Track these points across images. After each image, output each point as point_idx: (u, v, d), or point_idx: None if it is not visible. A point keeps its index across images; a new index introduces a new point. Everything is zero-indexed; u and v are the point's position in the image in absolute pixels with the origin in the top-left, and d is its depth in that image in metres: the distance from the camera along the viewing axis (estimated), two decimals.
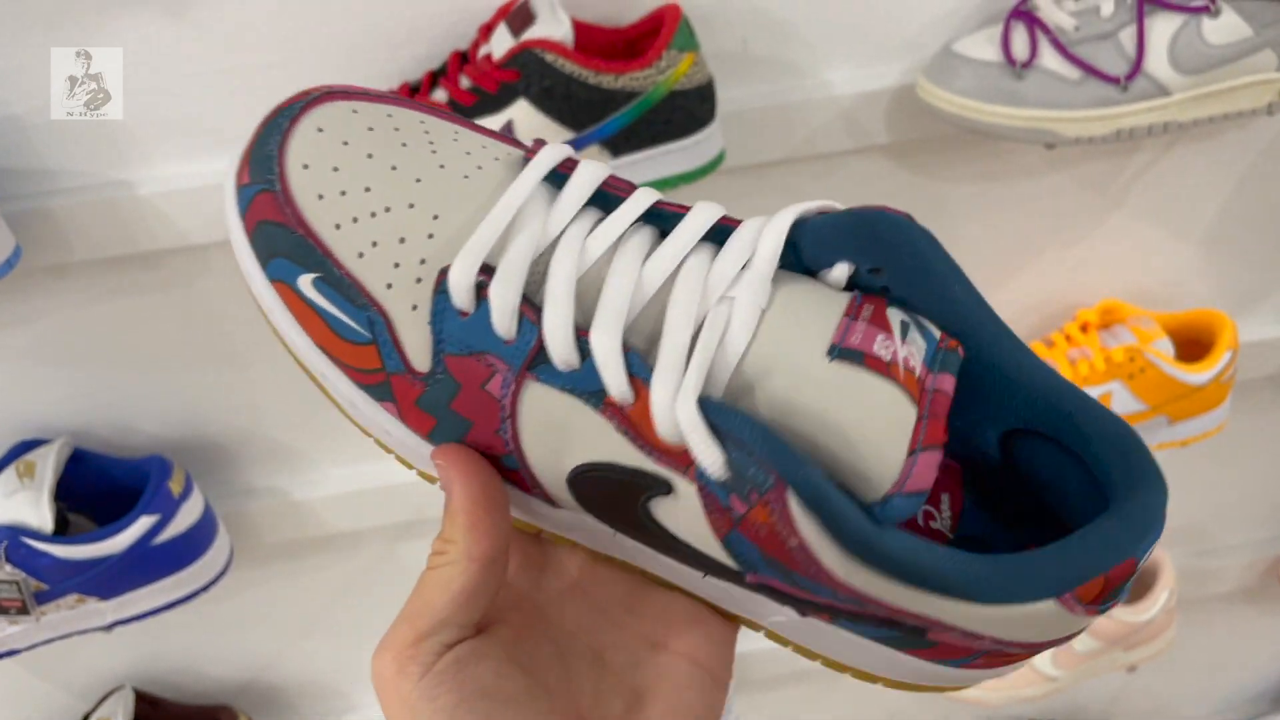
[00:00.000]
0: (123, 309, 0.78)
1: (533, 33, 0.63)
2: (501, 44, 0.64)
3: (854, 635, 0.33)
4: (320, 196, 0.32)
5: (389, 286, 0.32)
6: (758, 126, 0.74)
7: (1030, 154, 0.79)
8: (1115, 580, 0.29)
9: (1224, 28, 0.69)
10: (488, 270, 0.31)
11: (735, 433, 0.29)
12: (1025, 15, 0.70)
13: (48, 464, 0.76)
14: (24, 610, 0.74)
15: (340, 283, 0.32)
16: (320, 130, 0.33)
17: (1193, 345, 0.87)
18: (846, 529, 0.28)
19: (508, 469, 0.33)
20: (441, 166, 0.33)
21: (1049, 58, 0.69)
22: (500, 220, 0.32)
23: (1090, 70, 0.68)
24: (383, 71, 0.70)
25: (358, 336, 0.32)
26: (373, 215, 0.33)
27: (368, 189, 0.33)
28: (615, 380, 0.31)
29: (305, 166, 0.33)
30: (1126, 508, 0.29)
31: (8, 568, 0.73)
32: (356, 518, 0.89)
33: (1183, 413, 0.86)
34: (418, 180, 0.33)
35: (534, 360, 0.31)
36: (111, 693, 0.93)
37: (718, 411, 0.29)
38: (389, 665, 0.31)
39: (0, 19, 0.66)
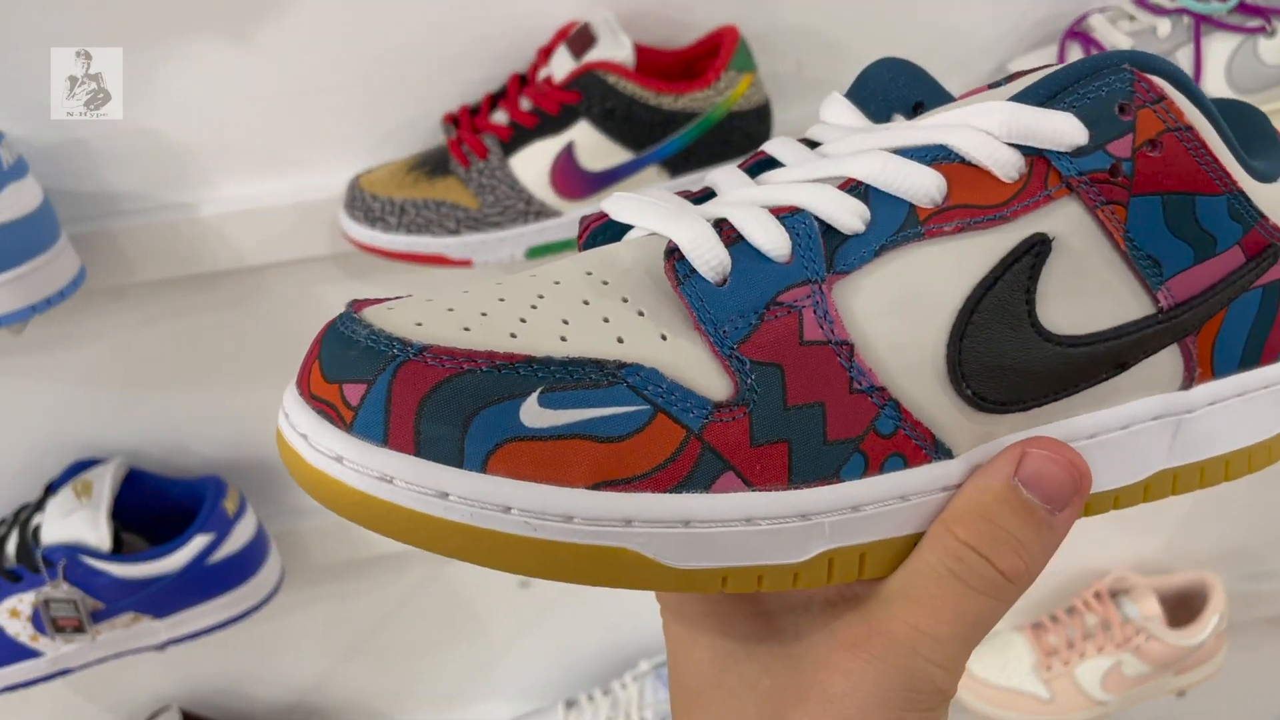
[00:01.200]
0: (180, 330, 0.79)
1: (594, 55, 0.64)
2: (562, 66, 0.65)
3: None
4: (466, 329, 0.24)
5: (620, 340, 0.25)
6: None
7: None
8: None
9: None
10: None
11: (1055, 83, 0.27)
12: (1081, 35, 0.70)
13: (105, 483, 0.76)
14: (80, 629, 0.75)
15: (569, 373, 0.24)
16: (390, 309, 0.26)
17: None
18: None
19: (884, 435, 0.25)
20: (532, 277, 0.27)
21: None
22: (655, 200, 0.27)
23: None
24: (440, 94, 0.71)
25: (634, 418, 0.24)
26: (534, 304, 0.25)
27: (501, 300, 0.26)
28: (912, 180, 0.26)
29: (419, 324, 0.25)
30: None
31: (65, 586, 0.73)
32: None
33: None
34: (528, 287, 0.27)
35: (830, 250, 0.25)
36: (158, 713, 0.93)
37: (1029, 95, 0.27)
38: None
39: (60, 42, 0.67)
